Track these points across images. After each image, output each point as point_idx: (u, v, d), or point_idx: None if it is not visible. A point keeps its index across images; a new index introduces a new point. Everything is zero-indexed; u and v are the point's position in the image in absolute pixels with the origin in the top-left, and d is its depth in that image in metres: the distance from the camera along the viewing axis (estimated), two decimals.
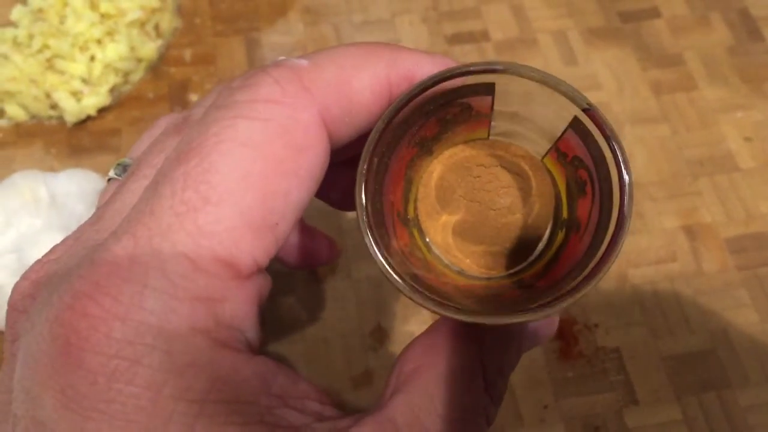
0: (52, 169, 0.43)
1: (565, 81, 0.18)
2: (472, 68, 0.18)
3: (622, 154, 0.18)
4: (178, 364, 0.15)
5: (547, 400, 0.37)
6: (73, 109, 0.44)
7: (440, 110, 0.20)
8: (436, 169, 0.21)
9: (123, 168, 0.21)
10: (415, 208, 0.21)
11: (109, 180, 0.22)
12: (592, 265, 0.18)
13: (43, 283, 0.17)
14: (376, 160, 0.18)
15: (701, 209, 0.43)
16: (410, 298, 0.17)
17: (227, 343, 0.16)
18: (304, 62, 0.18)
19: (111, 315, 0.15)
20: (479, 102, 0.20)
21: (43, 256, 0.18)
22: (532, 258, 0.21)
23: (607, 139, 0.18)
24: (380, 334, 0.39)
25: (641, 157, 0.45)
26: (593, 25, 0.50)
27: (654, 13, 0.51)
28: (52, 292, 0.16)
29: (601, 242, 0.18)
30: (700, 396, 0.37)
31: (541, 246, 0.21)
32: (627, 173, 0.18)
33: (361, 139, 0.19)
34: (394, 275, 0.17)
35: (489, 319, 0.17)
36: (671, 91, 0.47)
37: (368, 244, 0.17)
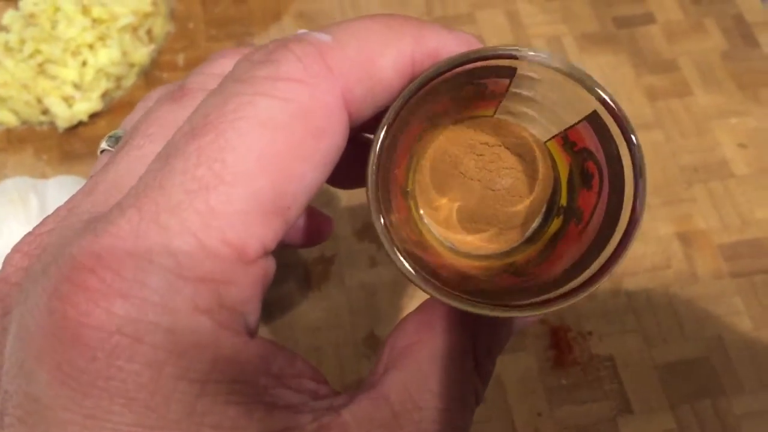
0: (44, 175, 0.43)
1: (591, 75, 0.18)
2: (499, 52, 0.18)
3: (641, 156, 0.17)
4: (180, 344, 0.15)
5: (540, 408, 0.37)
6: (64, 115, 0.44)
7: (456, 89, 0.19)
8: (439, 144, 0.21)
9: (115, 140, 0.21)
10: (414, 181, 0.21)
11: (101, 152, 0.21)
12: (597, 265, 0.17)
13: (37, 255, 0.17)
14: (389, 137, 0.18)
15: (696, 216, 0.43)
16: (414, 283, 0.17)
17: (229, 325, 0.16)
18: (326, 38, 0.17)
19: (113, 290, 0.14)
20: (496, 83, 0.19)
21: (34, 228, 0.18)
22: (522, 240, 0.21)
23: (628, 139, 0.17)
24: (373, 342, 0.39)
25: None
26: (588, 30, 0.50)
27: (649, 18, 0.50)
28: (49, 263, 0.15)
29: (607, 241, 0.17)
30: (695, 404, 0.37)
31: (534, 226, 0.21)
32: (643, 176, 0.17)
33: (373, 117, 0.18)
34: (399, 255, 0.17)
35: (489, 311, 0.17)
36: (666, 97, 0.47)
37: (377, 228, 0.17)
